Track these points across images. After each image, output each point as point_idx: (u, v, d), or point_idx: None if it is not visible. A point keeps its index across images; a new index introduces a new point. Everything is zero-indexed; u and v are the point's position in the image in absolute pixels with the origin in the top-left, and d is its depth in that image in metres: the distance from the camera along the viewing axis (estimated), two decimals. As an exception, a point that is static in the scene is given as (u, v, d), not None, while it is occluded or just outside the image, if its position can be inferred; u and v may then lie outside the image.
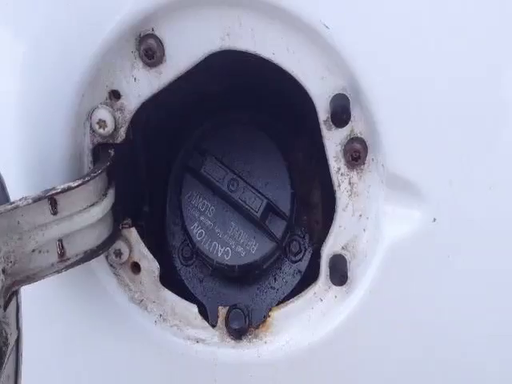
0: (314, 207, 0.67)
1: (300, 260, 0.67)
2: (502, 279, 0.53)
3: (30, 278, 0.49)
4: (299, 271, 0.67)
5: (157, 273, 0.60)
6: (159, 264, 0.61)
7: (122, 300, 0.60)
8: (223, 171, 0.62)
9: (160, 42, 0.51)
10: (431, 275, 0.53)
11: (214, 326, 0.61)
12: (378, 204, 0.53)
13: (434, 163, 0.50)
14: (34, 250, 0.49)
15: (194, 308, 0.61)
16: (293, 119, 0.64)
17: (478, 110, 0.49)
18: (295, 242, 0.67)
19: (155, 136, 0.64)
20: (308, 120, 0.55)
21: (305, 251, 0.67)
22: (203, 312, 0.62)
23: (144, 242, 0.60)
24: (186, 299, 0.62)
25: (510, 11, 0.48)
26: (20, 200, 0.46)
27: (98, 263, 0.59)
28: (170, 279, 0.64)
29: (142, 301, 0.61)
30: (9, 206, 0.45)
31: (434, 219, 0.51)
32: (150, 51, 0.51)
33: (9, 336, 0.46)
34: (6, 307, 0.46)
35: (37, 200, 0.47)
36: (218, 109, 0.67)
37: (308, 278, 0.61)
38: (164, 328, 0.61)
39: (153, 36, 0.51)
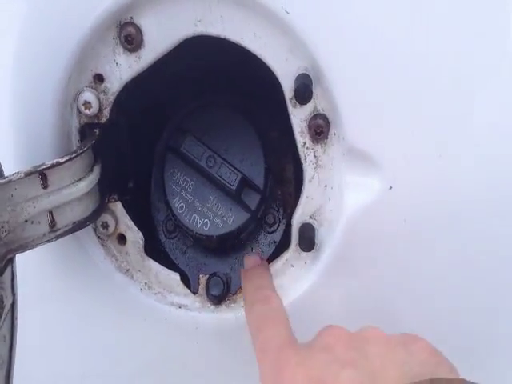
0: (288, 181, 0.71)
1: (275, 231, 0.71)
2: (452, 235, 0.57)
3: (23, 247, 0.53)
4: (274, 241, 0.71)
5: (141, 243, 0.64)
6: (145, 237, 0.64)
7: (109, 269, 0.64)
8: (202, 149, 0.65)
9: (139, 29, 0.55)
10: (389, 238, 0.57)
11: (195, 293, 0.65)
12: (341, 175, 0.57)
13: (389, 136, 0.54)
14: (26, 221, 0.52)
15: (177, 276, 0.65)
16: (266, 100, 0.68)
17: (425, 91, 0.53)
18: (270, 214, 0.70)
19: (139, 117, 0.67)
20: (279, 100, 0.58)
21: (279, 223, 0.70)
22: (185, 280, 0.66)
23: (130, 216, 0.64)
24: (170, 269, 0.66)
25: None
26: (13, 174, 0.50)
27: (87, 236, 0.63)
28: (156, 251, 0.68)
29: (128, 270, 0.65)
30: (2, 180, 0.49)
31: (391, 187, 0.55)
32: (130, 38, 0.55)
33: (4, 299, 0.50)
34: (1, 273, 0.50)
35: (28, 174, 0.50)
36: (197, 92, 0.70)
37: (283, 248, 0.65)
38: (149, 295, 0.65)
39: (132, 24, 0.55)
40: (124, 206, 0.64)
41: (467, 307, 0.61)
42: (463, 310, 0.61)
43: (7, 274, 0.51)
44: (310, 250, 0.60)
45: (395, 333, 0.48)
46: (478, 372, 0.63)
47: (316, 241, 0.60)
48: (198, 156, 0.65)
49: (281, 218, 0.71)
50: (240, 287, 0.65)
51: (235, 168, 0.65)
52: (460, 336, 0.63)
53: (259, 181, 0.66)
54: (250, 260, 0.63)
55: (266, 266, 0.63)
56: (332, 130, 0.57)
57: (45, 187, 0.53)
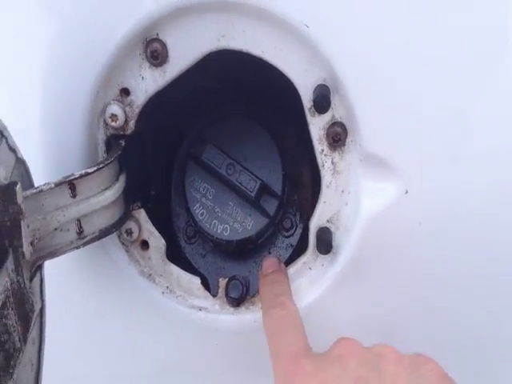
0: (304, 187, 0.72)
1: (292, 235, 0.72)
2: (467, 239, 0.59)
3: (52, 254, 0.55)
4: (291, 245, 0.72)
5: (163, 249, 0.66)
6: (166, 243, 0.66)
7: (132, 274, 0.66)
8: (222, 157, 0.67)
9: (164, 45, 0.57)
10: (405, 241, 0.59)
11: (214, 295, 0.67)
12: (358, 180, 0.59)
13: (404, 142, 0.56)
14: (56, 229, 0.54)
15: (197, 280, 0.67)
16: (283, 110, 0.70)
17: (440, 98, 0.55)
18: (287, 219, 0.72)
19: (162, 128, 0.69)
20: (296, 110, 0.60)
21: (296, 227, 0.72)
22: (205, 284, 0.68)
23: (152, 222, 0.66)
24: (190, 273, 0.67)
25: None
26: (44, 185, 0.52)
27: (112, 242, 0.65)
28: (176, 256, 0.70)
29: (150, 274, 0.67)
30: (34, 190, 0.51)
31: (406, 191, 0.57)
32: (155, 53, 0.57)
33: (34, 304, 0.52)
34: (31, 279, 0.52)
35: (58, 184, 0.53)
36: (217, 103, 0.72)
37: (299, 252, 0.67)
38: (170, 298, 0.67)
39: (157, 40, 0.57)
40: (147, 213, 0.65)
41: (482, 310, 0.63)
42: (478, 314, 0.63)
43: (36, 279, 0.53)
44: (327, 253, 0.62)
45: (407, 350, 0.49)
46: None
47: (333, 244, 0.62)
48: (218, 164, 0.67)
49: (298, 222, 0.72)
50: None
51: (254, 175, 0.67)
52: (479, 340, 0.65)
53: (277, 187, 0.68)
54: (269, 262, 0.64)
55: (284, 270, 0.64)
56: (349, 138, 0.59)
57: (73, 196, 0.55)
